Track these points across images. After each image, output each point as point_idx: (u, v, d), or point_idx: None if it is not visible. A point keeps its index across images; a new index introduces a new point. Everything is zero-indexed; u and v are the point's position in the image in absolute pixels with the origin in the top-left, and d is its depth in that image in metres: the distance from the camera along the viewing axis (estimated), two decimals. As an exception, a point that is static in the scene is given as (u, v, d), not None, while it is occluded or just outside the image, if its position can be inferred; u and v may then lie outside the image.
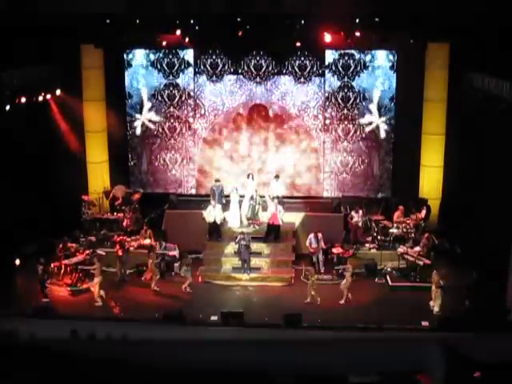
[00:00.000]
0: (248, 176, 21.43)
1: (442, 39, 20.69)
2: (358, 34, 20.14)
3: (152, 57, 23.18)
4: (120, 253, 19.55)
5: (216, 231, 20.73)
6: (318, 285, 18.44)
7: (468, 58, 20.00)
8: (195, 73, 23.17)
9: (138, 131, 23.73)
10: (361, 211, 20.98)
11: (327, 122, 23.04)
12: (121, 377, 9.04)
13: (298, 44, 21.34)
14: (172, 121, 23.55)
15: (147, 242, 20.37)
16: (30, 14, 19.01)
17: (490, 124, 18.71)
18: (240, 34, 20.13)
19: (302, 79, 22.82)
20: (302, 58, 22.69)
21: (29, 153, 21.04)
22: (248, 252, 19.32)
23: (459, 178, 20.97)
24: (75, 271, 19.24)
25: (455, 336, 10.08)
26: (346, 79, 22.72)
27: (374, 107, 22.78)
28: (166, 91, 23.37)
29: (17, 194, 20.15)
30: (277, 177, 21.60)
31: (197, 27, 20.50)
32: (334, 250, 19.85)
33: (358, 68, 22.65)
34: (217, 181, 21.74)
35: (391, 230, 20.83)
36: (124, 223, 21.79)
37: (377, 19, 19.72)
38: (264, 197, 21.06)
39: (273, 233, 20.52)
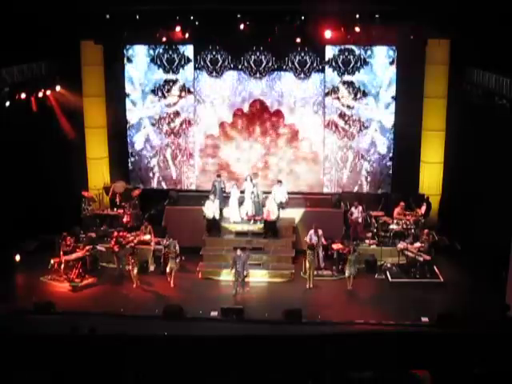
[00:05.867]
0: (246, 178, 21.40)
1: (443, 35, 20.66)
2: (358, 29, 20.16)
3: (152, 52, 23.15)
4: (116, 249, 19.55)
5: (215, 227, 20.74)
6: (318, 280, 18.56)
7: (468, 54, 20.01)
8: (195, 68, 23.15)
9: (138, 127, 23.72)
10: (361, 207, 20.97)
11: (327, 117, 23.02)
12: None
13: (298, 40, 21.36)
14: (172, 117, 23.54)
15: (147, 237, 20.37)
16: (30, 10, 19.00)
17: (490, 120, 18.70)
18: (242, 27, 20.14)
19: (302, 75, 22.79)
20: (302, 54, 22.65)
21: (29, 149, 21.06)
22: (244, 266, 18.37)
23: (459, 174, 20.98)
24: (75, 267, 19.25)
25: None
26: (346, 75, 22.70)
27: (373, 103, 22.76)
28: (166, 87, 23.35)
29: (17, 191, 20.18)
30: (279, 182, 21.39)
31: (197, 23, 20.51)
32: (334, 246, 19.85)
33: (358, 64, 22.61)
34: (218, 176, 21.76)
35: (391, 226, 20.85)
36: (124, 219, 21.81)
37: (377, 15, 19.74)
38: (266, 193, 21.09)
39: (270, 229, 20.52)
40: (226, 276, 19.17)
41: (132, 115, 23.67)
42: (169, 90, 23.35)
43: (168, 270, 18.99)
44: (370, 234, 21.06)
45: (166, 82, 23.32)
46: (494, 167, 18.55)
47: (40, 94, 21.10)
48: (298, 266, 19.79)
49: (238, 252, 18.49)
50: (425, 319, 16.71)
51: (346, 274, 18.68)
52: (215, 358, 9.12)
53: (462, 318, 15.96)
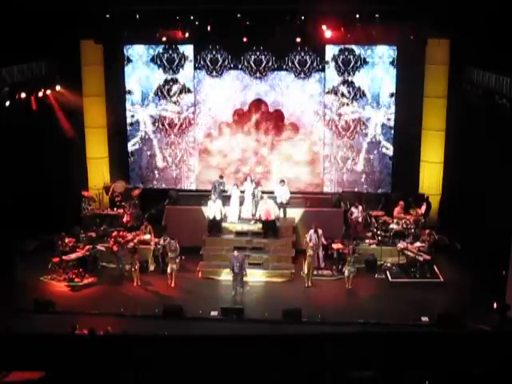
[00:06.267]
0: (246, 179, 21.35)
1: (442, 35, 20.66)
2: (358, 29, 20.16)
3: (152, 52, 23.16)
4: (115, 248, 19.56)
5: (216, 227, 20.74)
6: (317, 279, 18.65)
7: (468, 53, 20.00)
8: (195, 68, 23.15)
9: (138, 127, 23.72)
10: (361, 207, 20.98)
11: (327, 117, 23.02)
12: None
13: (298, 39, 21.37)
14: (172, 116, 23.53)
15: (147, 237, 20.37)
16: (30, 10, 19.00)
17: (490, 120, 18.70)
18: (244, 24, 20.14)
19: (302, 75, 22.79)
20: (302, 54, 22.65)
21: (29, 149, 21.05)
22: (242, 266, 18.40)
23: (459, 173, 20.97)
24: (75, 267, 19.25)
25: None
26: (346, 74, 22.69)
27: (374, 103, 22.75)
28: (166, 87, 23.35)
29: (17, 190, 20.16)
30: (282, 182, 21.33)
31: (197, 23, 20.52)
32: (334, 246, 19.85)
33: (358, 63, 22.61)
34: (221, 177, 21.75)
35: (391, 226, 20.85)
36: (124, 219, 21.83)
37: (377, 15, 19.75)
38: (268, 192, 21.12)
39: (270, 229, 20.51)
40: (226, 276, 19.16)
41: (132, 114, 23.66)
42: (169, 90, 23.35)
43: (169, 270, 18.99)
44: (370, 234, 21.07)
45: (166, 81, 23.32)
46: (494, 167, 18.55)
47: (40, 94, 21.11)
48: (298, 265, 19.78)
49: (235, 253, 18.49)
50: (425, 319, 16.72)
51: (346, 274, 18.69)
52: (215, 358, 9.10)
53: (462, 317, 15.96)
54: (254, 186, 21.22)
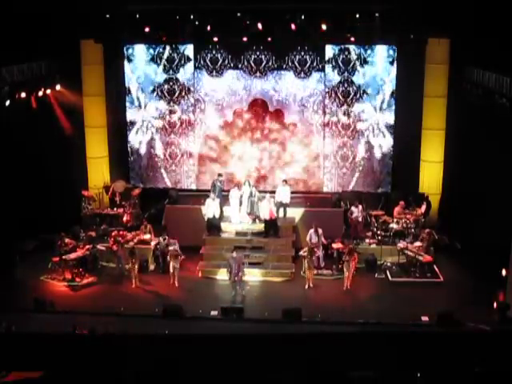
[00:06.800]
0: (244, 183, 21.32)
1: (443, 34, 20.66)
2: (358, 29, 20.16)
3: (152, 52, 23.15)
4: (115, 248, 19.56)
5: (215, 226, 20.73)
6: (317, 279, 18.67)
7: (468, 53, 19.99)
8: (195, 68, 23.14)
9: (138, 126, 23.71)
10: (360, 206, 20.99)
11: (327, 116, 23.01)
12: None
13: (298, 39, 21.34)
14: (172, 116, 23.53)
15: (147, 237, 20.38)
16: (30, 10, 19.00)
17: (490, 119, 18.70)
18: (245, 23, 20.14)
19: (302, 74, 22.78)
20: (302, 53, 22.65)
21: (29, 148, 21.04)
22: (239, 267, 18.31)
23: (459, 173, 20.97)
24: (75, 266, 19.25)
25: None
26: (346, 74, 22.69)
27: (373, 102, 22.74)
28: (166, 86, 23.34)
29: (17, 190, 20.16)
30: (284, 181, 21.37)
31: (197, 22, 20.53)
32: (334, 246, 19.85)
33: (358, 63, 22.61)
34: (219, 175, 21.75)
35: (391, 226, 20.85)
36: (124, 218, 21.84)
37: (377, 15, 19.77)
38: (271, 192, 21.13)
39: (271, 228, 20.51)
40: (224, 275, 19.13)
41: (132, 114, 23.67)
42: (169, 90, 23.34)
43: (171, 269, 18.97)
44: (370, 234, 21.06)
45: (166, 81, 23.32)
46: (494, 166, 18.54)
47: (40, 93, 21.11)
48: (298, 265, 19.77)
49: (234, 254, 18.45)
50: (425, 319, 16.71)
51: (345, 274, 18.68)
52: (215, 358, 9.11)
53: (462, 317, 15.95)
54: (252, 185, 21.21)
